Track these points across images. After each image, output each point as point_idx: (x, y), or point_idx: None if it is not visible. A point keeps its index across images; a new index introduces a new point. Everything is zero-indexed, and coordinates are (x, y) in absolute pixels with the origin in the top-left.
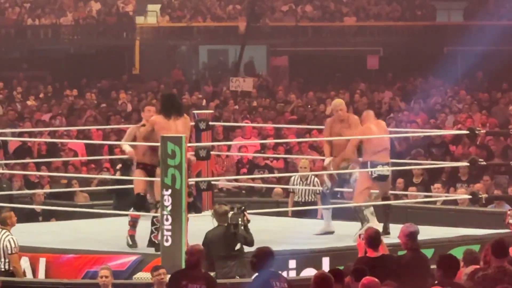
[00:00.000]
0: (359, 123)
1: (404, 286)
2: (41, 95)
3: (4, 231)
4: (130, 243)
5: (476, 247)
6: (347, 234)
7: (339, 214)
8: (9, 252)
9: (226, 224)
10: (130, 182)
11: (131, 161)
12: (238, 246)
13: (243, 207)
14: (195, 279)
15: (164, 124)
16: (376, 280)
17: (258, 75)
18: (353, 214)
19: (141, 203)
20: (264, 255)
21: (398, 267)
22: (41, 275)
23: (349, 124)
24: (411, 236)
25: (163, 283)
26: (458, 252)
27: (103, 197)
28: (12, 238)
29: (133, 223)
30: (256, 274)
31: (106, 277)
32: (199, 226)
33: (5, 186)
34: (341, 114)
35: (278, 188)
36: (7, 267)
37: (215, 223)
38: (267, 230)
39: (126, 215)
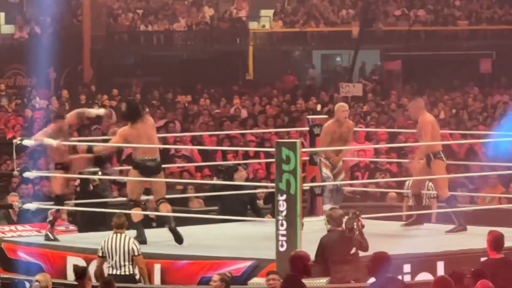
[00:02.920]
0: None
1: None
2: (155, 101)
3: (124, 235)
4: (52, 238)
5: None
6: (462, 237)
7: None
8: (135, 254)
9: (340, 228)
10: (234, 187)
11: (235, 168)
12: (353, 251)
13: (358, 212)
14: None
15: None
16: (491, 284)
17: (371, 80)
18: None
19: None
20: (381, 260)
21: None
22: (157, 281)
23: (347, 127)
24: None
25: None
26: None
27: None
28: (134, 240)
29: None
30: (373, 279)
31: (214, 281)
32: (312, 233)
33: (107, 193)
34: (344, 117)
35: (392, 192)
36: (131, 271)
37: (328, 227)
38: (382, 234)
39: (240, 220)
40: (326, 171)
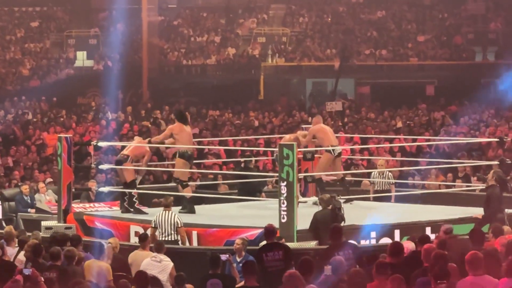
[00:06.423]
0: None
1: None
2: (193, 115)
3: (170, 212)
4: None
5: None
6: (412, 213)
7: (407, 198)
8: (179, 226)
9: (330, 207)
10: (248, 176)
11: (249, 162)
12: (342, 224)
13: (337, 195)
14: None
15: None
16: (434, 246)
17: (348, 100)
18: (416, 199)
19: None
20: (337, 230)
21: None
22: (195, 243)
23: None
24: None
25: None
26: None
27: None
28: (178, 216)
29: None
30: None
31: (238, 244)
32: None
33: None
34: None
35: (365, 180)
36: (175, 237)
37: (320, 207)
38: (356, 210)
39: (253, 200)
40: None
